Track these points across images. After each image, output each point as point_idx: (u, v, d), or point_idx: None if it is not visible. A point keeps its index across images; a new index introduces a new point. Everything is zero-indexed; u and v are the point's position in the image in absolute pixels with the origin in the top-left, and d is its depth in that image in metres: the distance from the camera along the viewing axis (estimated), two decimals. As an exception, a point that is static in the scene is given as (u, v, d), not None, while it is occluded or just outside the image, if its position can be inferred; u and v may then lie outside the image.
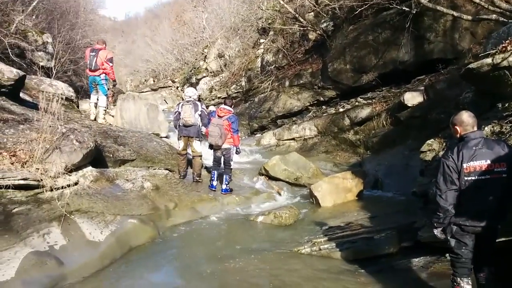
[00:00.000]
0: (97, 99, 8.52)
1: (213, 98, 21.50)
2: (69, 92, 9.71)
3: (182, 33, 44.13)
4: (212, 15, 36.00)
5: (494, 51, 4.51)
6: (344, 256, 4.67)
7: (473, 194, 2.86)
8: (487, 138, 3.01)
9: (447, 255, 3.72)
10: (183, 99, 7.38)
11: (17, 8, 14.60)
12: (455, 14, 8.12)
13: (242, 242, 5.39)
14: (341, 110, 12.38)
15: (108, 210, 5.11)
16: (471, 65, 4.68)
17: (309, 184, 8.29)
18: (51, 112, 5.48)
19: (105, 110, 8.50)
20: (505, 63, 4.26)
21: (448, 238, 3.04)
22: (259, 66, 19.75)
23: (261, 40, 20.62)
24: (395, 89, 11.89)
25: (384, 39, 11.74)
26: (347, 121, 11.18)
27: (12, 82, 6.25)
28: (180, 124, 7.19)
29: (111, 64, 8.18)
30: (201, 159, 7.43)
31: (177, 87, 39.41)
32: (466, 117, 2.96)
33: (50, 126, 5.22)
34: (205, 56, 36.50)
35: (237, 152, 7.41)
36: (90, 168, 5.56)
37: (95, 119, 8.48)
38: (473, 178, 2.84)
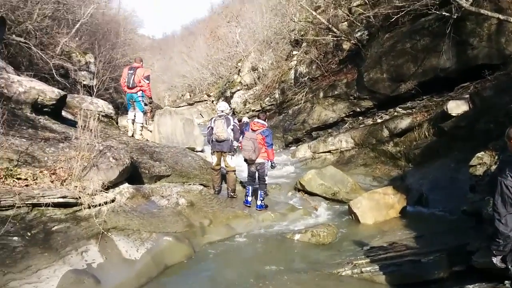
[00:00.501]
0: (134, 116, 8.69)
1: (247, 111, 21.54)
2: (109, 109, 9.97)
3: (217, 48, 45.08)
4: (245, 30, 36.45)
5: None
6: (389, 280, 4.35)
7: None
8: None
9: (507, 283, 3.36)
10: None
11: (61, 31, 15.35)
12: (501, 17, 7.68)
13: (278, 262, 5.19)
14: (379, 121, 11.96)
15: (144, 228, 5.08)
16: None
17: (347, 199, 7.99)
18: (89, 130, 5.59)
19: (142, 126, 8.64)
20: None
21: (509, 267, 2.72)
22: (293, 78, 19.63)
23: (294, 52, 20.54)
24: (436, 97, 11.37)
25: (423, 46, 11.28)
26: (385, 132, 10.76)
27: (54, 102, 6.46)
28: (213, 139, 7.16)
29: (147, 82, 8.35)
30: (235, 174, 7.34)
31: (212, 101, 40.09)
32: None
33: (88, 144, 5.30)
34: (239, 70, 36.98)
35: (272, 167, 7.25)
36: (126, 184, 5.59)
37: (132, 135, 8.62)
38: None
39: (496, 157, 5.14)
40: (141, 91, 8.34)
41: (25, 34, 12.70)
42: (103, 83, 17.10)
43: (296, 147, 14.53)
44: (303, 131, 15.19)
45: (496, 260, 2.77)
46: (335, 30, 14.84)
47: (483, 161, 5.30)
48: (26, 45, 10.21)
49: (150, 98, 8.88)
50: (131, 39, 26.57)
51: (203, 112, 40.82)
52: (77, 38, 16.42)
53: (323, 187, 8.30)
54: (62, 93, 6.78)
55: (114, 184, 5.35)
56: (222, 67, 42.86)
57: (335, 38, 15.74)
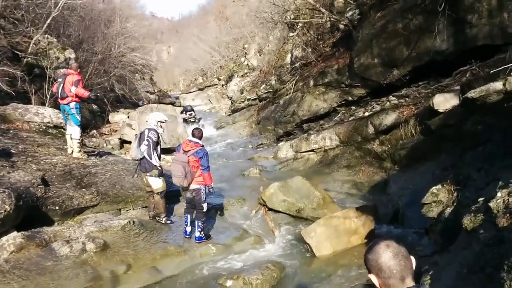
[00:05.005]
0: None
1: (243, 100, 20.39)
2: (59, 119, 9.12)
3: (226, 30, 43.74)
4: (252, 10, 35.00)
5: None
6: None
7: None
8: None
9: None
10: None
11: (31, 28, 14.52)
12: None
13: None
14: (366, 114, 10.64)
15: (25, 291, 4.21)
16: (470, 94, 3.07)
17: (313, 217, 6.94)
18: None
19: (79, 143, 7.68)
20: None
21: None
22: (289, 62, 18.31)
23: (291, 34, 19.08)
24: (433, 83, 9.95)
25: (415, 26, 9.80)
26: (371, 129, 9.46)
27: None
28: None
29: (75, 87, 7.26)
30: (160, 196, 6.36)
31: (222, 85, 39.03)
32: (387, 260, 1.50)
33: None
34: (245, 53, 35.69)
35: (210, 192, 6.22)
36: (13, 234, 4.69)
37: (72, 153, 7.71)
38: None
39: (455, 194, 3.92)
40: (74, 102, 7.35)
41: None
42: (86, 80, 16.36)
43: (285, 142, 13.37)
44: (293, 123, 14.03)
45: None
46: (323, 10, 13.32)
47: (438, 198, 4.09)
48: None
49: (88, 97, 7.69)
50: (124, 28, 25.46)
51: (211, 98, 39.86)
52: (46, 34, 15.48)
53: (286, 204, 7.22)
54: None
55: (-8, 237, 4.49)
56: (230, 49, 41.66)
57: (328, 19, 14.25)
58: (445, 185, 4.30)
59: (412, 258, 1.52)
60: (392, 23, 10.56)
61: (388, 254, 1.48)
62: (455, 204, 3.69)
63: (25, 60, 13.70)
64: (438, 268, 2.86)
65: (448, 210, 3.70)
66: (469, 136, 6.48)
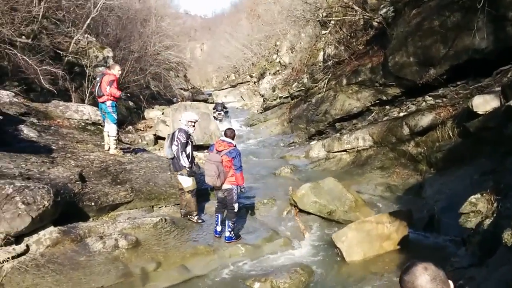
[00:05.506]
0: (110, 128, 8.01)
1: (275, 98, 20.33)
2: (97, 116, 9.45)
3: (258, 27, 43.82)
4: (284, 7, 34.87)
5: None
6: None
7: None
8: None
9: None
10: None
11: (73, 28, 15.10)
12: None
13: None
14: (401, 114, 10.34)
15: (59, 286, 4.37)
16: (514, 103, 2.90)
17: (344, 220, 6.87)
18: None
19: (115, 140, 7.93)
20: None
21: None
22: (321, 60, 18.07)
23: (323, 32, 18.82)
24: (472, 83, 9.55)
25: (453, 24, 9.43)
26: (406, 130, 9.20)
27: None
28: None
29: (109, 87, 7.48)
30: (191, 194, 6.47)
31: (254, 82, 39.09)
32: (424, 284, 1.47)
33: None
34: (277, 50, 35.57)
35: (242, 192, 6.25)
36: (50, 229, 4.88)
37: (109, 149, 7.98)
38: None
39: (495, 204, 3.74)
40: (110, 101, 7.59)
41: (32, 35, 12.53)
42: (122, 77, 16.87)
43: (318, 140, 13.25)
44: (325, 122, 13.85)
45: None
46: (355, 8, 13.04)
47: (477, 208, 3.90)
48: (11, 51, 9.75)
49: (119, 97, 7.86)
50: (159, 27, 25.98)
51: (244, 95, 40.03)
52: (86, 34, 16.01)
53: (317, 205, 7.16)
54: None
55: (29, 232, 4.68)
56: (262, 46, 41.71)
57: (362, 17, 13.94)
58: (484, 194, 4.11)
59: (450, 283, 1.47)
60: (428, 21, 10.21)
61: (425, 277, 1.46)
62: (495, 215, 3.51)
63: (66, 59, 14.23)
64: (474, 284, 2.75)
65: (487, 221, 3.52)
66: (510, 140, 6.18)
